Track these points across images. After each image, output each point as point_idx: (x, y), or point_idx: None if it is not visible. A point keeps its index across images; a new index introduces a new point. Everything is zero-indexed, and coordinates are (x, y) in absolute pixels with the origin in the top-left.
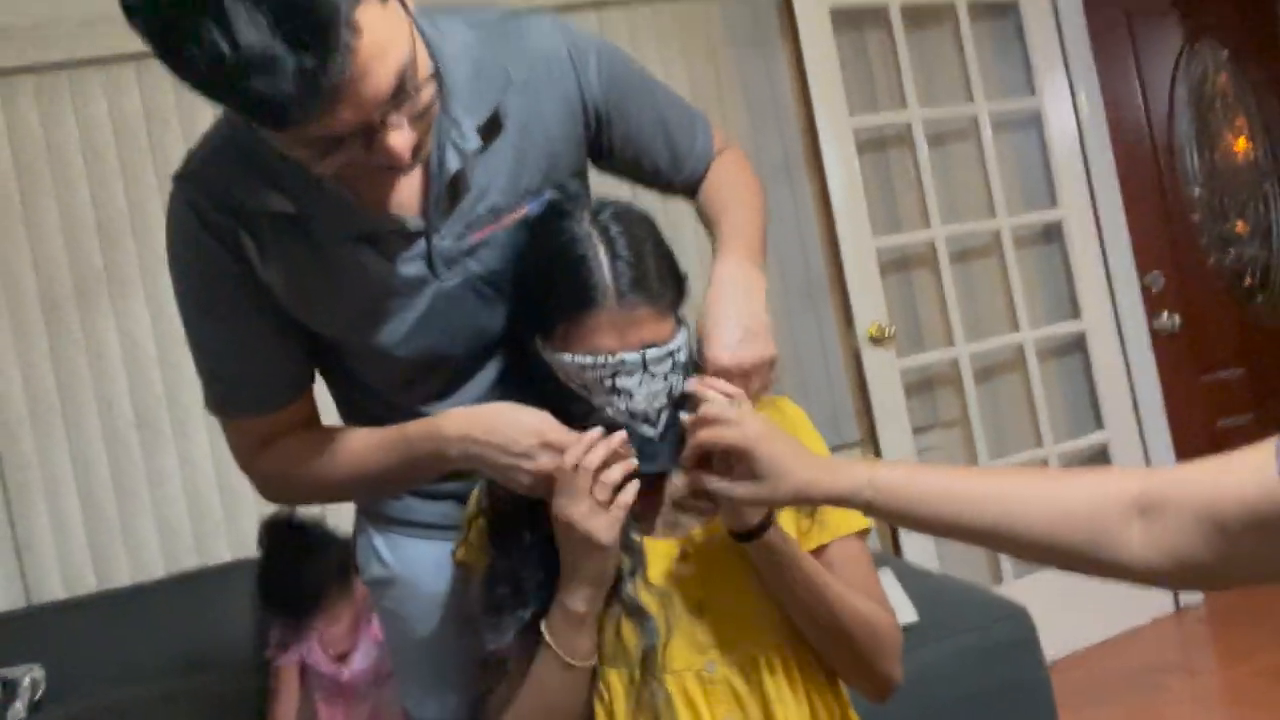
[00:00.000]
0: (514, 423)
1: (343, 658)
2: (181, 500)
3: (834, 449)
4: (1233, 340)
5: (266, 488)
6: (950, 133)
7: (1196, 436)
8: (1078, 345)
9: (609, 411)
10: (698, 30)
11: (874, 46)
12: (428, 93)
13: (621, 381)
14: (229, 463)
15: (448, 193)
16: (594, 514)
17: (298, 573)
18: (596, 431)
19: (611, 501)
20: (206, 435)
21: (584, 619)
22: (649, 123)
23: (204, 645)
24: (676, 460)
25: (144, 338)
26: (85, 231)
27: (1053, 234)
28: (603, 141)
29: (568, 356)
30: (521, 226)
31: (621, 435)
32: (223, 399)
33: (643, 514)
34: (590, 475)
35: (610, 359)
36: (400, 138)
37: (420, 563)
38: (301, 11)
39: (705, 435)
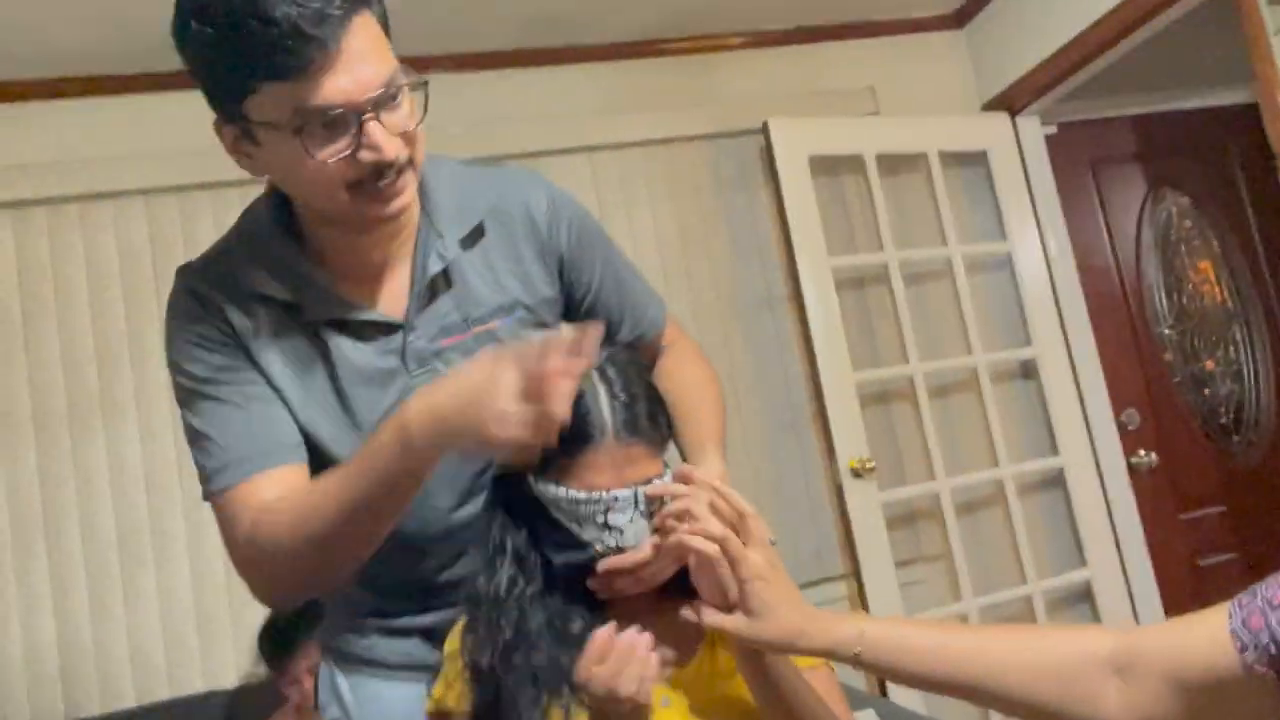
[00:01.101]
0: (477, 378)
1: None
2: (158, 627)
3: (818, 583)
4: (1211, 478)
5: (268, 570)
6: (926, 273)
7: (1179, 574)
8: (1057, 481)
9: (598, 547)
10: (685, 173)
11: (851, 190)
12: (409, 113)
13: (613, 518)
14: (207, 592)
15: (426, 294)
16: (642, 681)
17: (288, 620)
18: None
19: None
20: (187, 563)
21: None
22: (610, 278)
23: None
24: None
25: (133, 462)
26: (84, 355)
27: (1029, 370)
28: (564, 287)
29: (563, 490)
30: (490, 340)
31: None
32: (225, 465)
33: None
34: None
35: (605, 494)
36: (385, 134)
37: (381, 706)
38: None
39: (689, 533)
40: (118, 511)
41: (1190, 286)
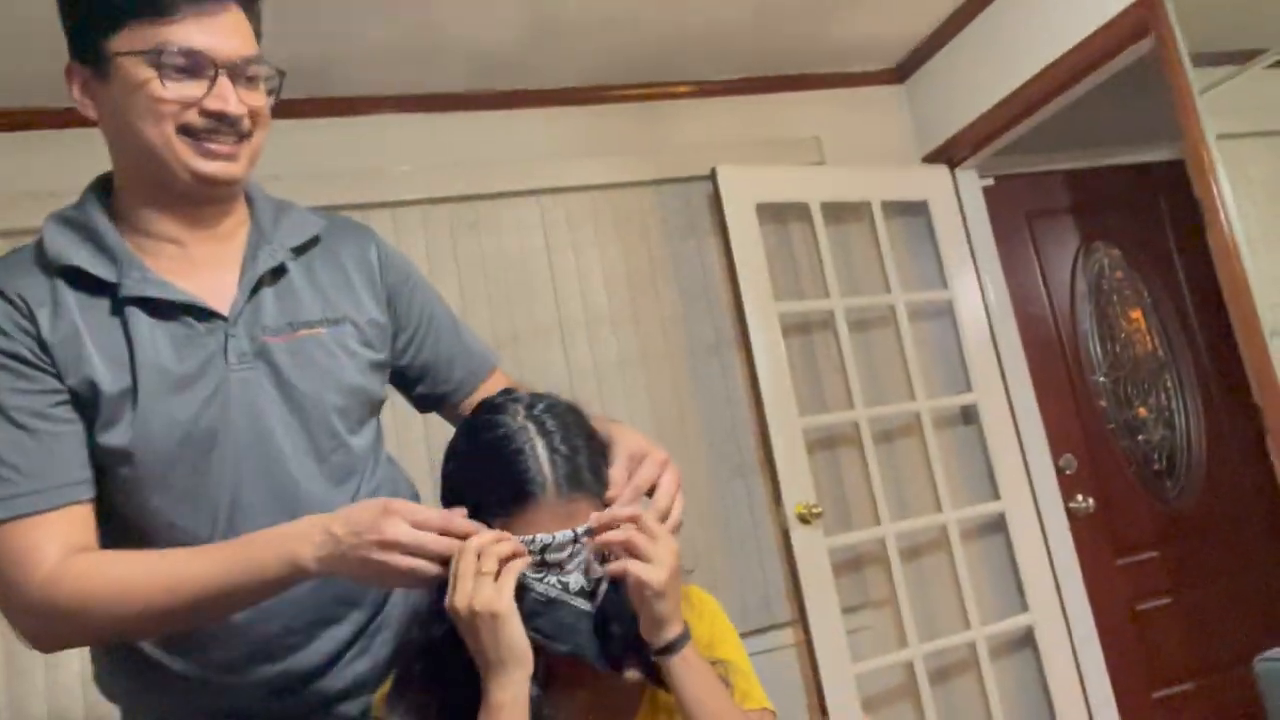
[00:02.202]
0: (377, 509)
1: None
2: (79, 690)
3: (765, 630)
4: (1147, 523)
5: (50, 623)
6: (870, 319)
7: (1118, 619)
8: (999, 526)
9: (539, 589)
10: (633, 218)
11: (797, 237)
12: (262, 98)
13: (551, 556)
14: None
15: (251, 295)
16: (485, 586)
17: None
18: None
19: (500, 572)
20: None
21: (515, 705)
22: (441, 318)
23: None
24: (616, 647)
25: None
26: None
27: (970, 416)
28: (393, 321)
29: None
30: (316, 346)
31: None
32: (12, 494)
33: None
34: (474, 555)
35: (539, 537)
36: (235, 93)
37: None
38: None
39: (632, 569)
40: None
41: (1123, 335)
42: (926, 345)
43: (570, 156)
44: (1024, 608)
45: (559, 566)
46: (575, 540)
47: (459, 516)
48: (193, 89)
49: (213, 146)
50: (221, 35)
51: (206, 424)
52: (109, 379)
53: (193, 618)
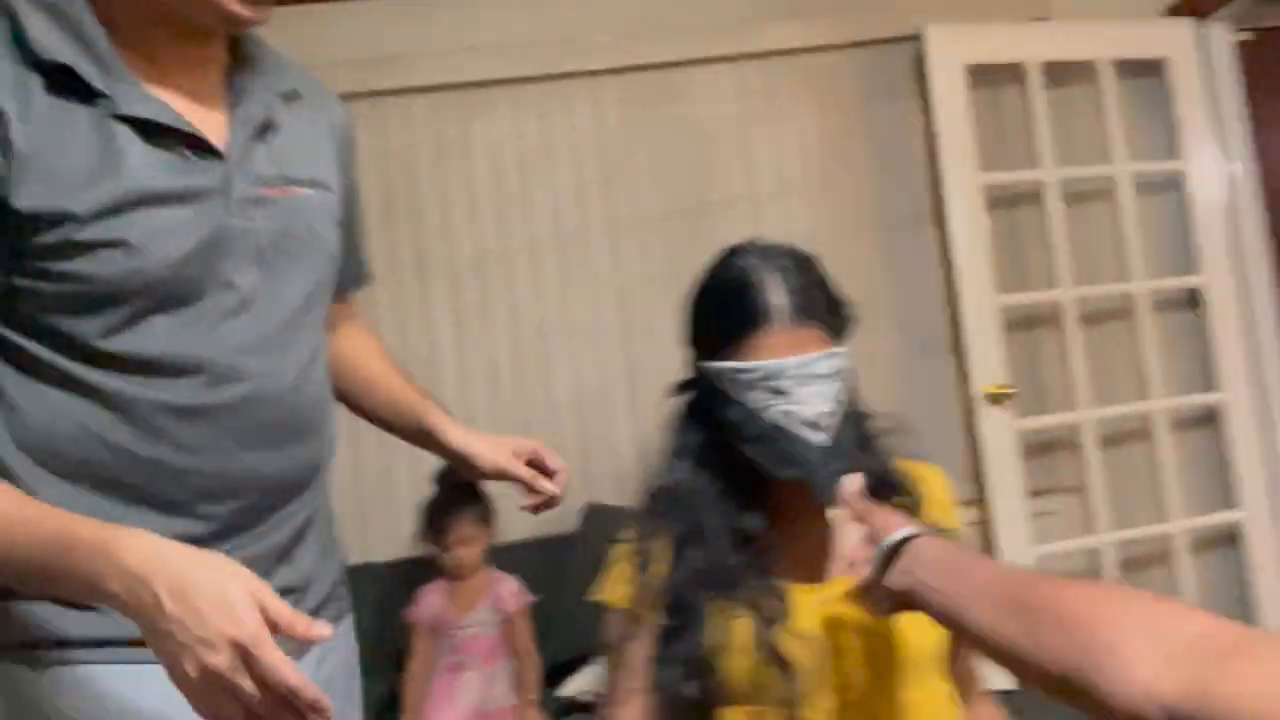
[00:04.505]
0: (218, 596)
1: (463, 616)
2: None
3: None
4: None
5: None
6: (1085, 192)
7: None
8: (1211, 418)
9: (771, 413)
10: (831, 83)
11: (1009, 103)
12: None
13: (782, 384)
14: (392, 463)
15: (249, 138)
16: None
17: (445, 500)
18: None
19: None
20: (345, 446)
21: None
22: (354, 214)
23: None
24: (844, 471)
25: None
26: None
27: (1192, 301)
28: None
29: (730, 364)
30: (305, 208)
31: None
32: None
33: (805, 562)
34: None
35: (770, 364)
36: None
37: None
38: None
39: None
40: None
41: None
42: (1148, 221)
43: (768, 19)
44: (1231, 504)
45: (787, 394)
46: (805, 369)
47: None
48: None
49: None
50: None
51: (196, 268)
52: (85, 201)
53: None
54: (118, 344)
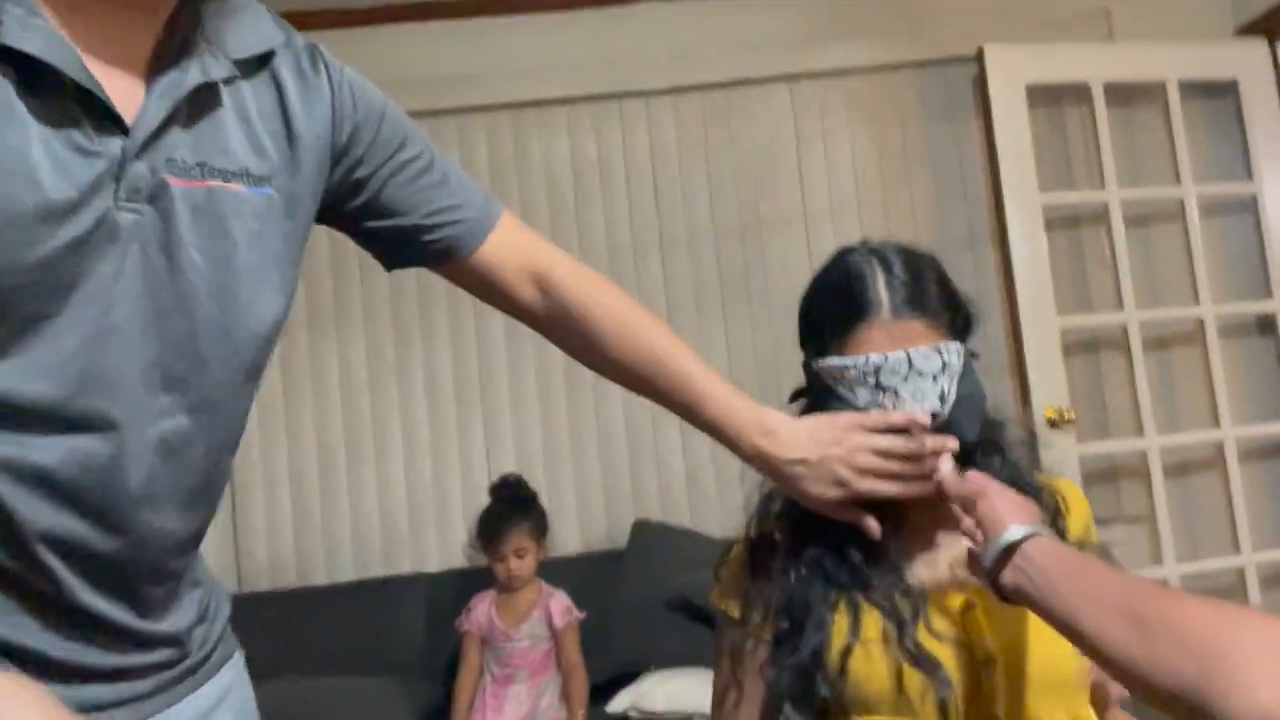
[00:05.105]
0: None
1: (514, 628)
2: (375, 514)
3: None
4: None
5: None
6: (1151, 214)
7: None
8: None
9: (876, 410)
10: (889, 102)
11: (1073, 123)
12: None
13: (886, 379)
14: (418, 485)
15: (168, 111)
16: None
17: (500, 511)
18: None
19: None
20: (401, 459)
21: None
22: (416, 166)
23: (382, 647)
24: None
25: (358, 367)
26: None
27: (1265, 326)
28: (332, 187)
29: (833, 360)
30: (233, 203)
31: None
32: None
33: (935, 567)
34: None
35: (871, 358)
36: None
37: None
38: None
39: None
40: (345, 411)
41: None
42: (1218, 244)
43: (826, 40)
44: None
45: (893, 391)
46: (909, 364)
47: None
48: None
49: None
50: None
51: (66, 274)
52: None
53: None
54: None
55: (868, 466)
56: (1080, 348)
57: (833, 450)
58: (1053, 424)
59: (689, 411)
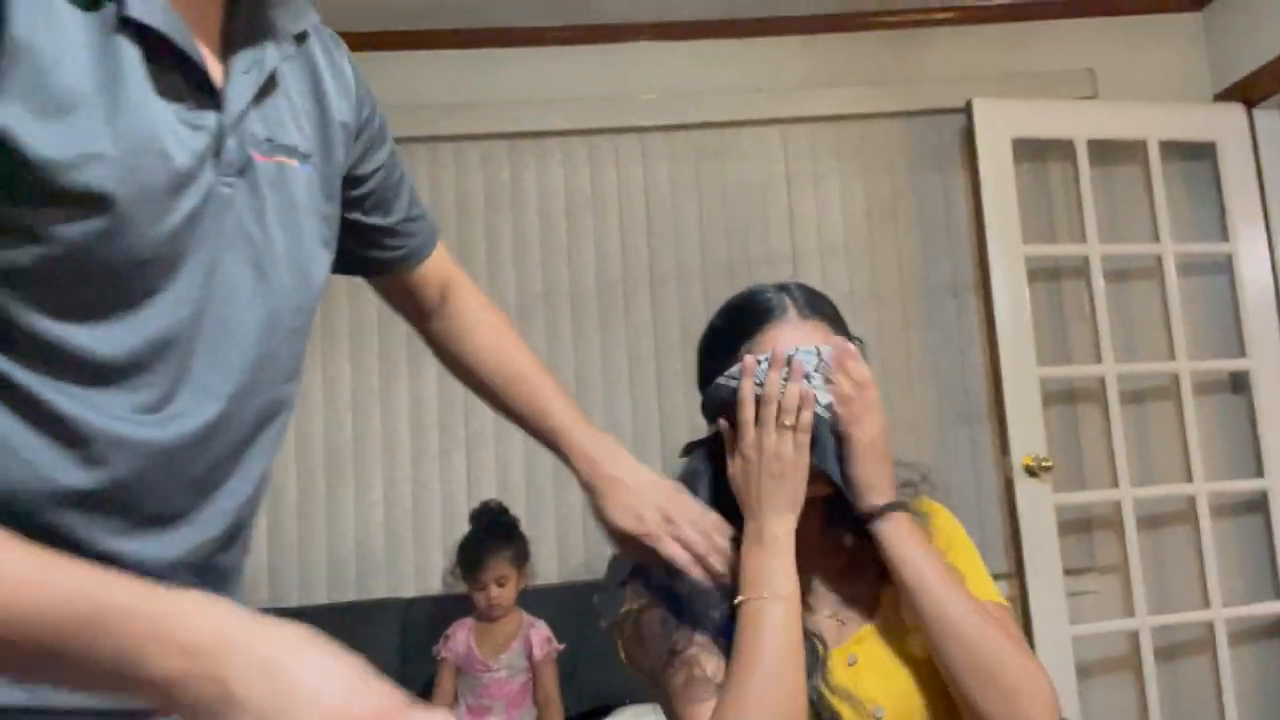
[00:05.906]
0: (316, 694)
1: (493, 658)
2: (352, 537)
3: None
4: None
5: None
6: (1130, 270)
7: None
8: (1257, 505)
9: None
10: (878, 150)
11: (1056, 177)
12: None
13: (760, 372)
14: (397, 510)
15: (256, 87)
16: (786, 439)
17: (481, 538)
18: None
19: (796, 425)
20: (381, 483)
21: (787, 543)
22: (399, 169)
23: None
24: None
25: (343, 389)
26: None
27: (1238, 384)
28: (350, 173)
29: (734, 368)
30: (292, 180)
31: None
32: None
33: (834, 611)
34: (774, 406)
35: (778, 350)
36: None
37: None
38: None
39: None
40: (326, 432)
41: None
42: (1194, 302)
43: (819, 86)
44: (1278, 594)
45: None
46: (819, 358)
47: None
48: None
49: None
50: None
51: (182, 247)
52: (78, 139)
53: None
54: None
55: (682, 537)
56: (1058, 398)
57: (661, 498)
58: (1030, 472)
59: (537, 419)
